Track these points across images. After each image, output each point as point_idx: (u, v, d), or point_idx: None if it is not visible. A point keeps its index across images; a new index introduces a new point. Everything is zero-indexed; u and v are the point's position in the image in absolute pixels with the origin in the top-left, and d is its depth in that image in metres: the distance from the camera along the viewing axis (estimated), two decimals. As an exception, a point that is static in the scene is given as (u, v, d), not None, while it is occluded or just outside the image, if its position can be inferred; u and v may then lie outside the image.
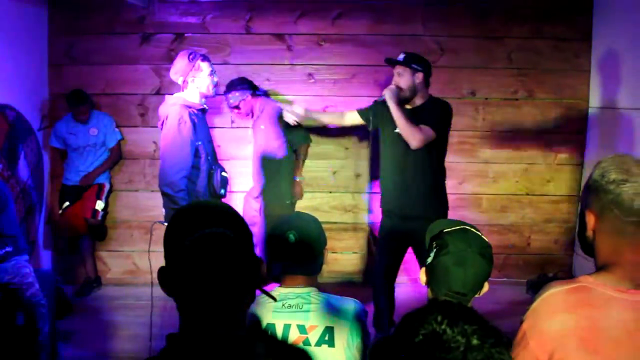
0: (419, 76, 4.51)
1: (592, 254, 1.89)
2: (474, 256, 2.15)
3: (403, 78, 4.48)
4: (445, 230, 2.26)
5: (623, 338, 1.69)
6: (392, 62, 4.56)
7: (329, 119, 5.15)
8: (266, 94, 5.66)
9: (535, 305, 1.81)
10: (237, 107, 5.50)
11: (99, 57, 5.99)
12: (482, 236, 2.26)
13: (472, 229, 2.29)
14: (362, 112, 4.82)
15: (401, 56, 4.54)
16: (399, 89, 4.45)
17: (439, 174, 4.68)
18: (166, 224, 4.07)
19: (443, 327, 1.22)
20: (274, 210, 5.53)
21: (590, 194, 1.84)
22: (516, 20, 5.96)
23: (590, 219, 1.84)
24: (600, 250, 1.84)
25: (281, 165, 5.56)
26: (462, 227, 2.29)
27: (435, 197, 4.66)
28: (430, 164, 4.55)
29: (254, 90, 5.50)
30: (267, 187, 5.57)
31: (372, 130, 4.82)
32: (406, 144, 4.44)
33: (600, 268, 1.82)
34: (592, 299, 1.74)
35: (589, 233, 1.86)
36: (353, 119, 4.86)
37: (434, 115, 4.49)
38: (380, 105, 4.66)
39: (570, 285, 1.79)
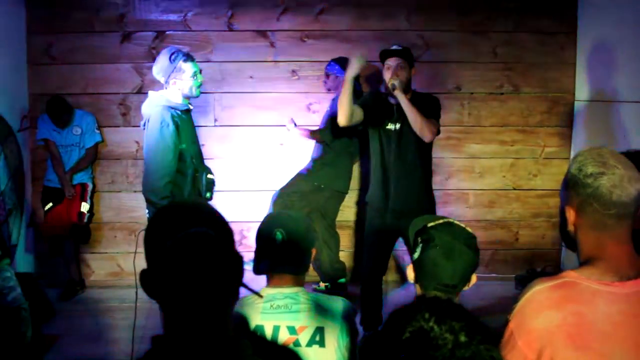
0: (413, 71, 4.53)
1: (574, 249, 1.89)
2: (461, 247, 2.15)
3: (404, 71, 4.44)
4: (429, 225, 2.25)
5: (611, 331, 1.68)
6: (397, 54, 4.46)
7: (347, 111, 4.46)
8: (355, 93, 5.59)
9: (521, 303, 1.81)
10: (327, 75, 5.63)
11: (79, 57, 5.92)
12: (467, 228, 2.26)
13: (456, 222, 2.29)
14: (363, 107, 4.53)
15: (399, 47, 4.50)
16: (401, 81, 4.40)
17: (428, 169, 4.70)
18: None
19: (431, 324, 1.21)
20: (313, 195, 5.61)
21: (568, 189, 1.84)
22: (500, 14, 5.97)
23: (571, 214, 1.84)
24: (583, 245, 1.84)
25: (326, 154, 5.62)
26: (446, 220, 2.28)
27: (426, 192, 4.68)
28: (421, 159, 4.58)
29: None
30: (314, 171, 5.67)
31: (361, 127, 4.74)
32: (399, 139, 4.46)
33: (583, 262, 1.82)
34: (578, 294, 1.73)
35: (570, 228, 1.86)
36: (358, 116, 4.50)
37: (433, 109, 4.53)
38: (371, 98, 4.64)
39: (555, 281, 1.79)
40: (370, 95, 4.76)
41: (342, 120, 4.40)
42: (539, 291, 1.78)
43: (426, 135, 4.36)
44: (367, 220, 4.80)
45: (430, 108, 4.48)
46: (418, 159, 4.54)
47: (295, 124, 5.82)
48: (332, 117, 5.32)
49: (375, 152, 4.65)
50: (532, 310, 1.76)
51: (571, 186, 1.82)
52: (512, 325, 1.79)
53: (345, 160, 5.67)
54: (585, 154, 1.82)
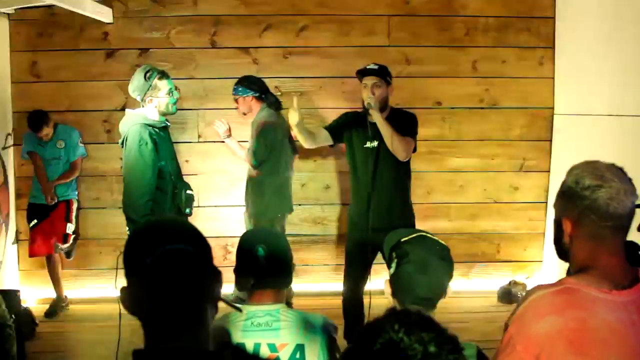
0: (390, 89, 4.55)
1: (567, 260, 1.91)
2: (435, 261, 2.17)
3: (380, 89, 4.47)
4: (403, 240, 2.26)
5: (609, 338, 1.71)
6: (373, 73, 4.50)
7: (306, 139, 4.72)
8: (273, 105, 5.54)
9: (522, 309, 1.82)
10: (236, 101, 5.50)
11: (63, 74, 5.94)
12: (440, 241, 2.28)
13: (429, 235, 2.30)
14: (331, 129, 4.76)
15: (375, 66, 4.53)
16: (377, 100, 4.43)
17: (407, 184, 4.73)
18: None
19: (400, 335, 1.21)
20: (261, 224, 5.44)
21: (565, 201, 1.86)
22: (479, 29, 6.03)
23: (567, 226, 1.85)
24: (577, 255, 1.86)
25: (263, 177, 5.48)
26: (419, 234, 2.30)
27: (404, 208, 4.71)
28: (399, 175, 4.61)
29: (260, 93, 5.44)
30: (253, 200, 5.54)
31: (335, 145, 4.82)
32: (376, 156, 4.50)
33: (578, 271, 1.84)
34: (579, 300, 1.75)
35: (566, 239, 1.87)
36: (324, 138, 4.75)
37: (409, 127, 4.55)
38: (351, 117, 4.70)
39: (556, 287, 1.81)
40: (347, 115, 4.79)
41: (305, 145, 4.65)
42: (541, 297, 1.81)
43: (400, 154, 4.41)
44: (348, 235, 4.85)
45: (406, 126, 4.53)
46: (396, 176, 4.59)
47: (229, 134, 5.63)
48: (260, 139, 5.31)
49: (354, 170, 4.69)
50: (533, 315, 1.78)
51: (568, 198, 1.84)
52: (511, 330, 1.80)
53: (275, 182, 5.51)
54: (582, 167, 1.85)
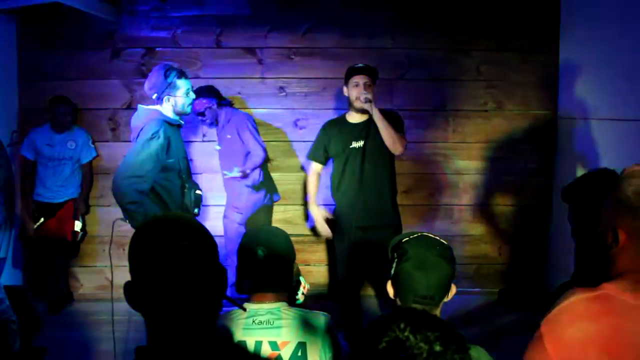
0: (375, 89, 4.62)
1: (603, 266, 1.86)
2: (434, 258, 2.17)
3: (371, 88, 4.55)
4: (403, 240, 2.28)
5: None
6: (365, 71, 4.57)
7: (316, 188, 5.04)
8: (231, 105, 5.64)
9: (557, 311, 1.78)
10: (202, 113, 5.49)
11: (69, 72, 5.96)
12: (441, 240, 2.29)
13: (430, 235, 2.31)
14: (319, 158, 4.91)
15: (364, 65, 4.62)
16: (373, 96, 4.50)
17: (393, 183, 4.79)
18: (127, 221, 3.99)
19: (406, 334, 1.23)
20: (252, 218, 5.55)
21: (621, 212, 1.78)
22: (484, 33, 6.04)
23: (622, 237, 1.77)
24: (620, 263, 1.80)
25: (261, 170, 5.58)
26: (420, 234, 2.32)
27: (392, 206, 4.77)
28: (385, 174, 4.66)
29: (220, 100, 5.50)
30: (242, 197, 5.57)
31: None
32: (362, 156, 4.57)
33: (615, 276, 1.79)
34: (615, 308, 1.72)
35: (616, 250, 1.79)
36: (319, 169, 4.96)
37: (398, 124, 4.62)
38: (328, 127, 4.81)
39: (593, 293, 1.76)
40: (324, 129, 4.84)
41: (402, 149, 4.62)
42: (577, 301, 1.77)
43: (398, 149, 4.48)
44: (336, 237, 4.87)
45: (396, 124, 4.58)
46: (382, 174, 4.64)
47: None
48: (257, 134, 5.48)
49: (340, 170, 4.73)
50: (567, 319, 1.75)
51: (625, 210, 1.76)
52: (543, 330, 1.76)
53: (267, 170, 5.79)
54: None
